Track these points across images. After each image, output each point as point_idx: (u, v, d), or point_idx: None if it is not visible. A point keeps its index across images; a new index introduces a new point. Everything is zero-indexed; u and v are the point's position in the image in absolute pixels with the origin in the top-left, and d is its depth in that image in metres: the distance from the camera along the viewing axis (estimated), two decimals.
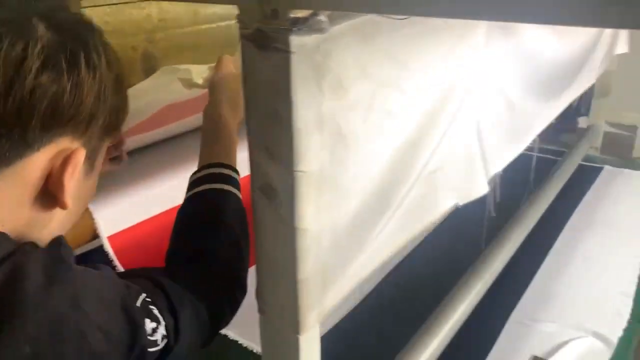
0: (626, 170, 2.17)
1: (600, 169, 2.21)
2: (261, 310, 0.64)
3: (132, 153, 1.25)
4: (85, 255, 1.05)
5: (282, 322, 0.62)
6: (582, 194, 1.95)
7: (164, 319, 0.53)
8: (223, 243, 0.67)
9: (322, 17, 0.49)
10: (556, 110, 1.30)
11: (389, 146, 0.68)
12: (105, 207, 1.02)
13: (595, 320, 1.28)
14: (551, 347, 1.21)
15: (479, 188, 0.89)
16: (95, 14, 0.98)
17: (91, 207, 1.00)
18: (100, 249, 1.01)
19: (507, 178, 2.12)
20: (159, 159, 1.19)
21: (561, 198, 1.87)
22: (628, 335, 1.26)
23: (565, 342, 1.20)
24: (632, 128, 2.40)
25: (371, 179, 0.66)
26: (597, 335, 1.22)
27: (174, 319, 0.55)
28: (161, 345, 0.52)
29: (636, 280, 1.43)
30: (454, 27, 0.74)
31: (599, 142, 2.42)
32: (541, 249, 1.61)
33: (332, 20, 0.52)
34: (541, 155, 2.28)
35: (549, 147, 2.38)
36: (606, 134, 2.44)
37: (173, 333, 0.55)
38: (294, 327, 0.61)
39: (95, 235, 1.03)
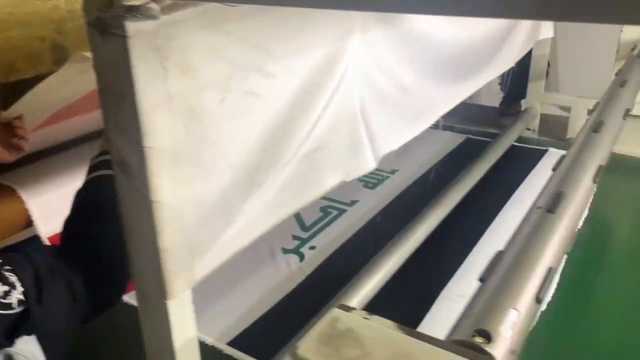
0: (559, 151, 2.24)
1: (545, 151, 2.28)
2: (132, 277, 0.69)
3: (67, 144, 1.29)
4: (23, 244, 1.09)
5: (150, 288, 0.67)
6: (524, 176, 2.01)
7: (22, 285, 0.57)
8: (109, 229, 0.71)
9: (153, 5, 0.54)
10: (467, 92, 1.36)
11: (257, 126, 0.73)
12: (40, 196, 1.06)
13: None
14: None
15: (366, 165, 0.94)
16: None
17: (24, 196, 1.03)
18: (36, 237, 1.04)
19: (446, 160, 2.23)
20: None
21: (502, 180, 1.95)
22: (548, 309, 1.28)
23: None
24: (567, 110, 2.49)
25: (239, 156, 0.71)
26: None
27: (37, 288, 0.59)
28: (17, 309, 0.57)
29: (564, 256, 1.50)
30: (323, 11, 0.78)
31: (535, 124, 2.51)
32: (477, 228, 1.67)
33: (174, 7, 0.57)
34: (482, 138, 2.38)
35: (492, 130, 2.48)
36: (543, 117, 2.53)
37: (36, 302, 0.59)
38: (161, 293, 0.66)
39: (29, 224, 1.06)
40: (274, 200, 0.78)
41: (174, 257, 0.65)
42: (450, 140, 2.43)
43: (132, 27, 0.54)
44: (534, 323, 0.68)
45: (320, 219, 1.79)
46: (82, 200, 0.75)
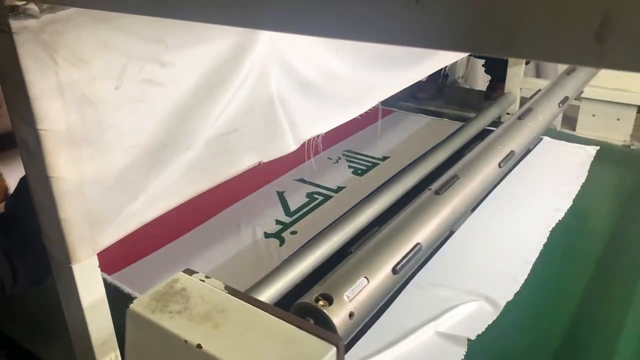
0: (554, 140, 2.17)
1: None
2: (45, 243, 0.78)
3: None
4: None
5: (58, 254, 0.76)
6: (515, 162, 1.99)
7: None
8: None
9: (32, 6, 0.62)
10: (414, 78, 1.41)
11: (159, 111, 0.80)
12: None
13: (490, 286, 1.30)
14: (441, 310, 1.24)
15: (285, 148, 1.01)
16: None
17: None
18: None
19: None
20: None
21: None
22: (518, 299, 1.28)
23: (456, 305, 1.24)
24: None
25: (140, 138, 0.79)
26: (487, 299, 1.25)
27: None
28: None
29: (540, 247, 1.45)
30: None
31: (515, 109, 2.53)
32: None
33: (57, 7, 0.65)
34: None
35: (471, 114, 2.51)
36: (523, 101, 2.54)
37: None
38: (66, 258, 0.75)
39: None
40: (182, 178, 0.86)
41: (76, 227, 0.74)
42: (446, 128, 2.39)
43: (16, 24, 0.62)
44: (390, 293, 0.74)
45: (306, 204, 1.80)
46: (23, 184, 0.85)
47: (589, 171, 1.82)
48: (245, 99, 0.92)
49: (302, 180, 1.91)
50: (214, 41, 0.86)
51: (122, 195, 0.79)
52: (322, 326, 0.62)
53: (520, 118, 1.18)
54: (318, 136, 1.12)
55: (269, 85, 0.96)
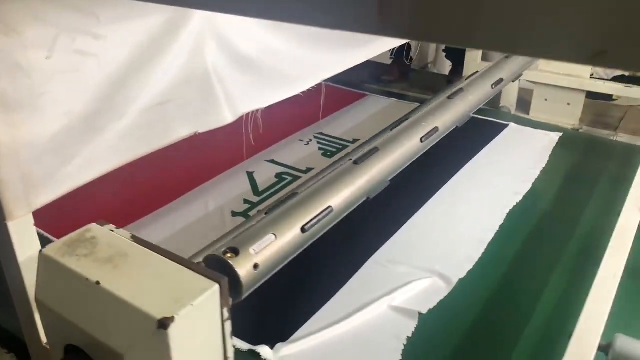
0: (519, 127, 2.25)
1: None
2: None
3: None
4: None
5: None
6: (476, 146, 2.05)
7: None
8: None
9: None
10: (360, 58, 1.47)
11: (92, 81, 0.86)
12: None
13: (444, 263, 1.35)
14: (397, 285, 1.29)
15: (222, 120, 1.08)
16: None
17: None
18: None
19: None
20: None
21: (452, 148, 2.01)
22: (471, 277, 1.33)
23: (411, 282, 1.29)
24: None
25: (74, 105, 0.85)
26: (441, 276, 1.30)
27: None
28: None
29: (496, 228, 1.50)
30: None
31: None
32: (417, 196, 1.70)
33: None
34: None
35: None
36: None
37: None
38: (2, 216, 0.81)
39: None
40: (117, 145, 0.92)
41: (11, 187, 0.80)
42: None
43: None
44: (298, 251, 0.82)
45: (274, 184, 1.83)
46: None
47: (550, 156, 1.89)
48: (180, 71, 0.98)
49: (272, 162, 1.96)
50: (148, 16, 0.91)
51: (57, 158, 0.85)
52: (227, 275, 0.69)
53: (449, 97, 1.26)
54: (257, 110, 1.18)
55: (204, 59, 1.02)
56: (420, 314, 1.19)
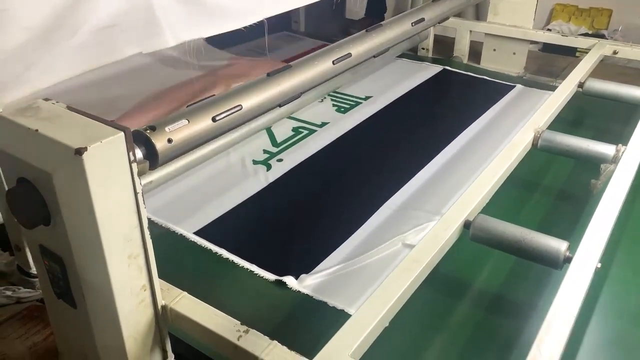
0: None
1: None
2: None
3: None
4: None
5: None
6: (486, 104, 2.29)
7: None
8: None
9: None
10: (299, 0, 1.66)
11: (47, 2, 1.06)
12: None
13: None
14: (410, 226, 1.45)
15: (163, 43, 1.28)
16: None
17: None
18: None
19: (421, 89, 2.47)
20: None
21: (464, 106, 2.21)
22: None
23: (422, 223, 1.44)
24: (453, 31, 2.77)
25: (32, 21, 1.05)
26: None
27: None
28: None
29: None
30: None
31: (428, 44, 2.81)
32: (431, 146, 1.90)
33: None
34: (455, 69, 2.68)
35: None
36: (436, 37, 2.82)
37: None
38: None
39: None
40: (72, 58, 1.13)
41: None
42: (427, 71, 2.65)
43: None
44: (208, 137, 1.02)
45: (291, 137, 2.02)
46: None
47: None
48: (125, 1, 1.18)
49: (290, 117, 2.13)
50: None
51: (19, 65, 1.06)
52: (145, 146, 0.91)
53: (367, 31, 1.45)
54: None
55: None
56: None
